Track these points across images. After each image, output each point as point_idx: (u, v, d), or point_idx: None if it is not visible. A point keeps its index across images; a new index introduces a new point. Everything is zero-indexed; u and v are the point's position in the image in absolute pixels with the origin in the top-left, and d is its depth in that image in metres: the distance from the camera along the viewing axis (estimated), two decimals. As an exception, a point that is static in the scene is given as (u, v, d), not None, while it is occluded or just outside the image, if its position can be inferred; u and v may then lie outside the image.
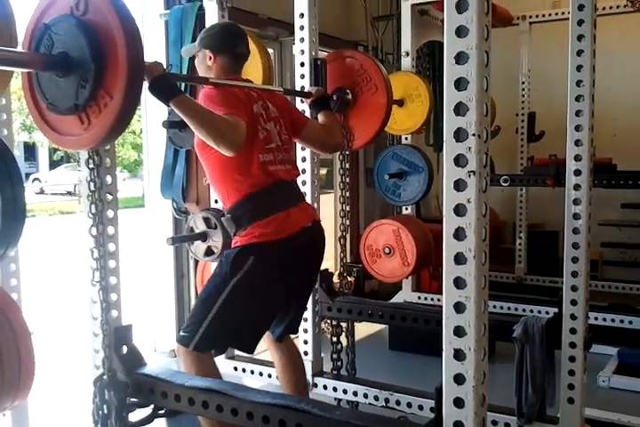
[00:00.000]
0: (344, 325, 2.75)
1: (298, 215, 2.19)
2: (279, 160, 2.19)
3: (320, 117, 2.47)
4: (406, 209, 3.97)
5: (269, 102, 2.24)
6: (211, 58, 2.21)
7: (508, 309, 3.79)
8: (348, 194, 2.83)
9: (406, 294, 4.07)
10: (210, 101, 2.00)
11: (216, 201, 2.73)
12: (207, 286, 2.17)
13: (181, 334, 2.13)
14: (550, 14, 4.61)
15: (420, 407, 2.37)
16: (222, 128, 1.88)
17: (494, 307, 3.78)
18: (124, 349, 1.77)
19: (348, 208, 2.82)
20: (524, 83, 4.81)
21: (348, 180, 2.82)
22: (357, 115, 2.69)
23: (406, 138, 3.85)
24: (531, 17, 4.71)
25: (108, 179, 1.76)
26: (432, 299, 3.95)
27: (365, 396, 2.44)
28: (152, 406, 1.80)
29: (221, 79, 2.15)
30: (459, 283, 1.20)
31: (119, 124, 1.48)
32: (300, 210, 2.21)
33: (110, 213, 1.77)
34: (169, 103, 1.82)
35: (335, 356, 2.69)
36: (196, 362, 2.12)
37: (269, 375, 2.67)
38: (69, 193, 17.68)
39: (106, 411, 1.74)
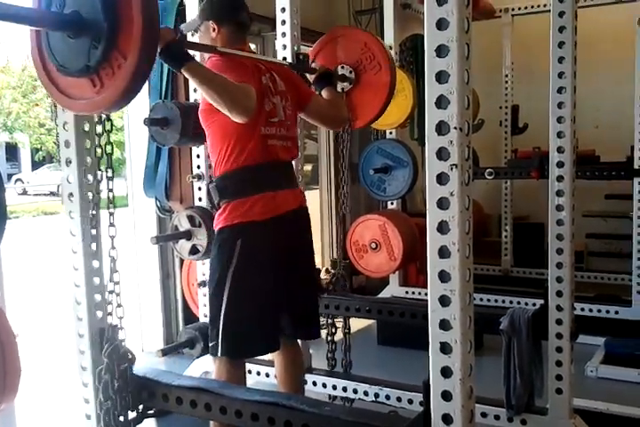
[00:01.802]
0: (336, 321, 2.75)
1: (286, 197, 2.14)
2: (280, 135, 2.15)
3: (324, 93, 2.42)
4: (392, 204, 3.98)
5: (277, 75, 2.20)
6: (214, 29, 2.16)
7: (495, 301, 3.82)
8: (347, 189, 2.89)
9: (394, 289, 4.08)
10: (218, 70, 1.95)
11: (200, 199, 2.71)
12: (210, 282, 2.15)
13: (211, 344, 2.10)
14: (532, 6, 4.63)
15: (410, 401, 2.38)
16: (235, 93, 1.86)
17: (481, 300, 3.80)
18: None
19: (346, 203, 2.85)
20: (507, 75, 4.83)
21: (346, 173, 2.83)
22: (360, 94, 2.64)
23: (390, 132, 3.85)
24: (513, 9, 4.73)
25: (90, 177, 1.74)
26: (419, 293, 3.96)
27: (355, 391, 2.44)
28: (141, 406, 1.78)
29: (223, 48, 2.08)
30: (443, 276, 1.20)
31: (133, 87, 1.42)
32: (289, 193, 2.17)
33: (92, 213, 1.75)
34: (181, 69, 1.79)
35: (330, 354, 2.68)
36: (227, 372, 2.09)
37: (258, 373, 2.67)
38: (52, 193, 17.54)
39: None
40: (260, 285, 2.07)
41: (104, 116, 1.69)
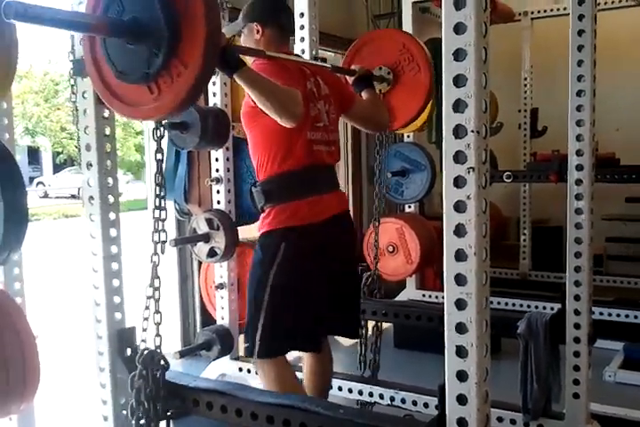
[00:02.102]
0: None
1: (330, 201, 2.14)
2: (325, 141, 2.15)
3: (364, 95, 2.41)
4: (409, 207, 3.97)
5: (321, 79, 2.19)
6: (258, 31, 2.15)
7: (513, 305, 3.79)
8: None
9: (410, 292, 4.07)
10: (265, 75, 1.92)
11: (218, 202, 2.73)
12: (250, 284, 2.13)
13: (245, 346, 2.08)
14: (552, 9, 4.60)
15: (426, 405, 2.37)
16: (285, 99, 1.85)
17: (498, 303, 3.78)
18: (128, 351, 1.77)
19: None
20: (526, 79, 4.80)
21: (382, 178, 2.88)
22: (398, 95, 2.61)
23: (408, 136, 3.85)
24: (532, 13, 4.70)
25: (110, 181, 1.77)
26: (436, 297, 3.94)
27: (371, 395, 2.44)
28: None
29: (270, 52, 2.06)
30: (459, 280, 1.20)
31: (192, 95, 1.42)
32: (334, 196, 2.17)
33: (112, 216, 1.78)
34: (234, 75, 1.78)
35: (362, 358, 2.65)
36: (271, 371, 2.07)
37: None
38: (73, 196, 17.73)
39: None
40: (303, 287, 2.06)
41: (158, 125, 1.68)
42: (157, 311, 1.70)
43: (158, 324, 1.71)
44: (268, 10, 2.18)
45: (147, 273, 1.72)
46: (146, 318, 1.69)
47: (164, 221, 1.71)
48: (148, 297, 1.70)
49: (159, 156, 1.71)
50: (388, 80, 2.61)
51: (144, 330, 1.70)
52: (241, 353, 2.82)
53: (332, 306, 2.17)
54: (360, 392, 2.50)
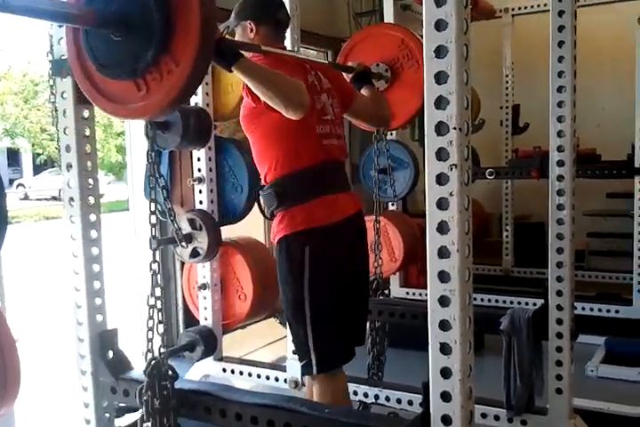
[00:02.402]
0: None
1: (346, 200, 2.05)
2: (334, 134, 2.06)
3: (364, 92, 2.34)
4: (392, 205, 3.97)
5: (321, 74, 2.12)
6: (252, 30, 2.07)
7: (496, 301, 3.81)
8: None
9: (394, 290, 4.07)
10: None
11: (200, 202, 2.71)
12: (284, 300, 2.01)
13: (301, 365, 1.99)
14: (532, 6, 4.62)
15: (410, 403, 2.37)
16: (289, 88, 1.76)
17: (482, 300, 3.79)
18: (110, 353, 1.75)
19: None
20: (507, 75, 4.82)
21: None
22: (396, 92, 2.54)
23: (391, 133, 3.85)
24: (513, 9, 4.71)
25: (90, 182, 1.75)
26: (420, 294, 3.95)
27: (355, 393, 2.44)
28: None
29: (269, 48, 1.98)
30: (443, 276, 1.20)
31: (183, 95, 1.34)
32: (348, 195, 2.08)
33: (93, 217, 1.76)
34: (232, 68, 1.69)
35: (370, 361, 2.62)
36: (329, 389, 1.97)
37: (258, 376, 2.67)
38: (54, 198, 17.56)
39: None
40: (336, 292, 1.97)
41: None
42: (161, 322, 1.66)
43: (163, 334, 1.66)
44: (262, 7, 2.11)
45: (146, 281, 1.69)
46: (150, 329, 1.64)
47: (155, 226, 1.68)
48: (151, 306, 1.65)
49: (152, 157, 1.67)
50: (386, 77, 2.55)
51: (149, 340, 1.65)
52: (225, 353, 2.81)
53: (356, 310, 2.11)
54: (355, 393, 2.49)
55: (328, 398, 1.95)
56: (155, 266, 1.67)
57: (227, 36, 2.06)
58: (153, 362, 1.63)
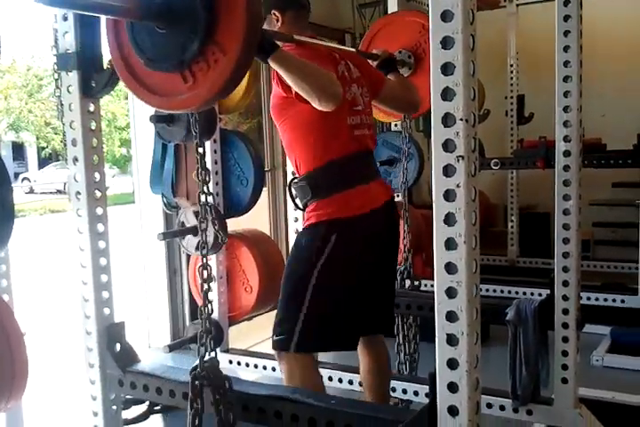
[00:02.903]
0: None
1: (378, 189, 2.06)
2: (365, 124, 2.06)
3: (391, 78, 2.33)
4: (397, 196, 3.97)
5: (351, 63, 2.11)
6: (278, 20, 2.06)
7: (502, 292, 3.81)
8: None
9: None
10: None
11: (205, 194, 2.71)
12: (289, 276, 2.01)
13: (275, 338, 1.98)
14: (537, -5, 4.60)
15: (416, 393, 2.38)
16: (323, 80, 1.76)
17: (487, 291, 3.79)
18: (118, 346, 1.76)
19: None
20: (512, 65, 4.80)
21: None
22: (421, 78, 2.48)
23: (396, 124, 3.83)
24: (518, -1, 4.69)
25: (97, 175, 1.75)
26: (425, 285, 3.95)
27: (361, 384, 2.44)
28: (147, 402, 1.79)
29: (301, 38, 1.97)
30: (450, 268, 1.19)
31: (231, 84, 1.32)
32: (380, 184, 2.09)
33: (99, 211, 1.76)
34: (268, 59, 1.69)
35: (408, 356, 2.63)
36: (300, 368, 1.97)
37: (264, 367, 2.68)
38: (59, 191, 17.62)
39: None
40: (349, 281, 1.98)
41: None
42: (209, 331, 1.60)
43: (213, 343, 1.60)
44: None
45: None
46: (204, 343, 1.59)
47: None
48: (203, 318, 1.60)
49: (201, 150, 1.61)
50: (410, 64, 2.53)
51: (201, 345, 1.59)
52: (231, 345, 2.82)
53: (374, 301, 2.09)
54: (350, 382, 2.50)
55: (291, 379, 1.97)
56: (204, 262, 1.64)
57: None
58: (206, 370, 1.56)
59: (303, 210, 2.04)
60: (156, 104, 1.43)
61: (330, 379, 2.53)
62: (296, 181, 2.03)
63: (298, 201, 2.05)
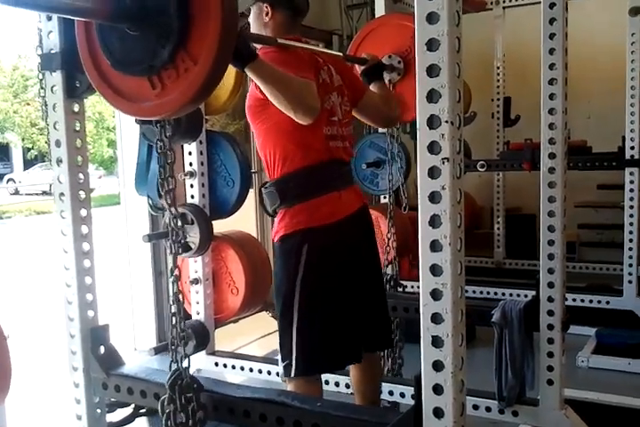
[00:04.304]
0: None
1: (350, 196, 2.00)
2: (340, 136, 2.00)
3: (373, 88, 2.26)
4: (384, 198, 3.97)
5: (333, 69, 2.04)
6: (267, 13, 1.98)
7: (488, 293, 3.82)
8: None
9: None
10: (276, 65, 1.76)
11: (192, 196, 2.70)
12: (277, 297, 1.95)
13: (282, 365, 1.92)
14: (523, -2, 4.62)
15: (402, 395, 2.38)
16: (301, 93, 1.72)
17: (474, 292, 3.80)
18: (102, 349, 1.75)
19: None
20: (498, 68, 4.83)
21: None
22: (409, 84, 2.44)
23: (383, 126, 3.83)
24: (504, 1, 4.70)
25: (81, 177, 1.74)
26: (412, 286, 3.96)
27: (347, 386, 2.44)
28: (133, 405, 1.78)
29: (282, 39, 1.90)
30: (435, 270, 1.20)
31: (201, 95, 1.27)
32: (352, 191, 2.03)
33: (83, 212, 1.74)
34: (244, 68, 1.63)
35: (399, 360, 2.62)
36: (302, 389, 1.89)
37: (251, 370, 2.67)
38: (45, 193, 17.47)
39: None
40: (332, 293, 1.91)
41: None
42: (183, 334, 1.59)
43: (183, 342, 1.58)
44: None
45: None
46: (175, 348, 1.57)
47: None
48: (174, 325, 1.58)
49: (168, 158, 1.55)
50: (399, 69, 2.50)
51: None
52: (217, 348, 2.81)
53: (364, 312, 2.01)
54: (337, 384, 2.50)
55: None
56: (176, 271, 1.64)
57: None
58: (175, 374, 1.55)
59: (273, 217, 1.99)
60: (125, 109, 1.39)
61: (316, 381, 2.52)
62: (266, 186, 1.97)
63: (268, 207, 1.99)
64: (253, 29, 2.04)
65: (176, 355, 1.56)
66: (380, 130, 3.84)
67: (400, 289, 2.81)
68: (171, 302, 1.61)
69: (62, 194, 1.72)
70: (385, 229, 3.50)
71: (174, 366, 1.55)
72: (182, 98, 1.26)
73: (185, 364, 1.55)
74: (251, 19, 2.04)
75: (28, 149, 21.04)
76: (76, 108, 1.72)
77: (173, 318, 1.59)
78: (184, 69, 1.24)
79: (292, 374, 1.89)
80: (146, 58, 1.26)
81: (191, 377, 1.57)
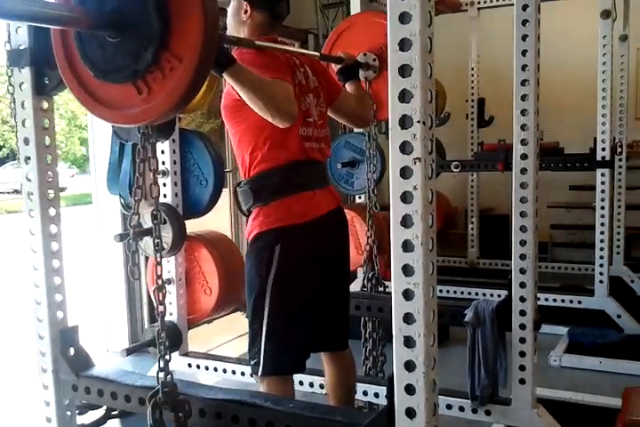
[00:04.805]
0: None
1: (324, 196, 2.00)
2: (316, 137, 2.01)
3: (348, 87, 2.27)
4: (359, 198, 3.98)
5: (309, 70, 2.05)
6: (246, 12, 1.97)
7: (462, 293, 3.85)
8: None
9: (361, 283, 4.07)
10: (252, 65, 1.76)
11: (165, 195, 2.68)
12: (248, 296, 1.96)
13: (251, 363, 1.94)
14: (498, -1, 4.66)
15: (376, 395, 2.38)
16: (278, 98, 1.72)
17: (447, 292, 3.83)
18: (72, 350, 1.72)
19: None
20: (473, 69, 4.86)
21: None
22: (384, 81, 2.48)
23: (358, 126, 3.84)
24: (479, 2, 4.73)
25: (50, 175, 1.71)
26: (387, 286, 3.97)
27: (322, 386, 2.44)
28: (105, 407, 1.75)
29: (257, 39, 1.91)
30: (407, 270, 1.20)
31: (189, 93, 1.25)
32: (327, 192, 2.04)
33: (52, 211, 1.72)
34: (222, 73, 1.62)
35: (371, 357, 2.61)
36: (274, 389, 1.90)
37: (224, 371, 2.65)
38: (16, 191, 17.18)
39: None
40: (302, 293, 1.93)
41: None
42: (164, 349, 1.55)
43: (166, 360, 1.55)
44: None
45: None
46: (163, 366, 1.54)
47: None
48: (158, 333, 1.55)
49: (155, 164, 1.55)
50: (375, 67, 2.50)
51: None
52: (190, 348, 2.78)
53: (327, 314, 2.05)
54: (311, 384, 2.49)
55: None
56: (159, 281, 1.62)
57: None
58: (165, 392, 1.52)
59: (247, 215, 1.99)
60: (111, 119, 1.36)
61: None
62: (241, 185, 1.97)
63: (242, 206, 1.99)
64: (230, 24, 2.04)
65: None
66: (356, 130, 3.85)
67: (381, 289, 2.80)
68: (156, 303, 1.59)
69: (31, 193, 1.69)
70: (360, 229, 3.51)
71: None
72: (170, 98, 1.24)
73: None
74: (229, 13, 2.04)
75: (0, 147, 20.69)
76: (45, 105, 1.69)
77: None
78: (169, 69, 1.22)
79: (260, 373, 1.91)
80: (129, 63, 1.24)
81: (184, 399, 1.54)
